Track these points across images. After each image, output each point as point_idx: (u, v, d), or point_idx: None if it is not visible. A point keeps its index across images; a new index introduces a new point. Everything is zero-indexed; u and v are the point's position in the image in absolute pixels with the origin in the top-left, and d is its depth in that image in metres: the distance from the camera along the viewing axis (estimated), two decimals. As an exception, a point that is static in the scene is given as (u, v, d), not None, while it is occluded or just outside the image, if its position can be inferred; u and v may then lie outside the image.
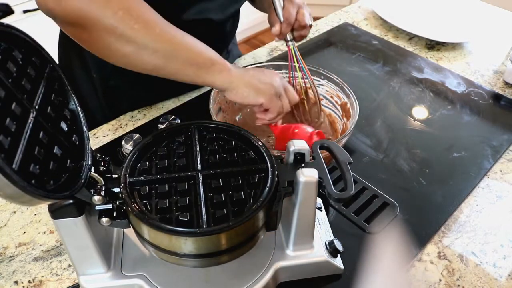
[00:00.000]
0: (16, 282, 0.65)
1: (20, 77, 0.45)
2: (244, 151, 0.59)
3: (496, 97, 1.06)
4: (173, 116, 0.84)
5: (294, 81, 0.82)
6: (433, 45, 1.25)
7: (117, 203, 0.53)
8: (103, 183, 0.52)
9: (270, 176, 0.54)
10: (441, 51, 1.23)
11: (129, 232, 0.61)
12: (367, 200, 0.78)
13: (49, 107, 0.48)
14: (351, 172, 0.56)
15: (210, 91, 0.81)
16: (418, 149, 0.90)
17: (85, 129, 0.53)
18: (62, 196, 0.45)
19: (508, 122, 0.98)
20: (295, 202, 0.56)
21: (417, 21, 1.32)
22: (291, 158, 0.57)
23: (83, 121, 0.54)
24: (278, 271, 0.62)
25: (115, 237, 0.63)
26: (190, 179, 0.54)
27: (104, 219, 0.52)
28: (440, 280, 0.67)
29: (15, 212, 0.74)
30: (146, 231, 0.51)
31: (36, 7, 0.62)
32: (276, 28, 0.79)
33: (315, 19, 1.38)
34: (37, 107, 0.46)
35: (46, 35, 0.96)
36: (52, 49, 0.80)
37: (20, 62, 0.46)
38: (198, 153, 0.57)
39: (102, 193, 0.51)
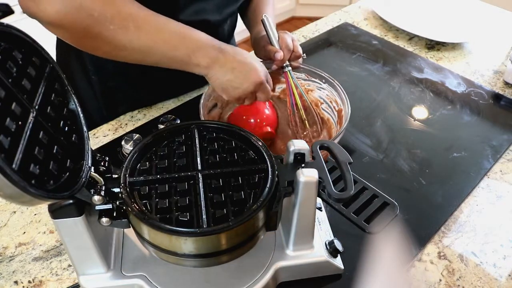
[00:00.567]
0: (16, 282, 0.65)
1: (20, 77, 0.45)
2: (244, 151, 0.59)
3: (496, 97, 1.06)
4: (173, 116, 0.84)
5: (293, 105, 0.82)
6: (433, 45, 1.25)
7: (117, 203, 0.53)
8: (103, 183, 0.52)
9: (270, 176, 0.54)
10: (441, 51, 1.23)
11: (129, 232, 0.61)
12: (367, 200, 0.78)
13: (49, 107, 0.48)
14: (351, 172, 0.56)
15: (210, 91, 0.81)
16: (418, 149, 0.90)
17: (85, 129, 0.53)
18: (62, 196, 0.45)
19: (508, 122, 0.98)
20: (295, 202, 0.56)
21: (417, 21, 1.32)
22: (291, 158, 0.57)
23: (83, 121, 0.54)
24: (278, 271, 0.62)
25: (115, 237, 0.63)
26: (190, 179, 0.54)
27: (104, 219, 0.52)
28: (440, 280, 0.67)
29: (15, 212, 0.74)
30: (146, 231, 0.51)
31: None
32: (281, 54, 0.80)
33: (315, 19, 1.39)
34: (37, 107, 0.46)
35: (46, 35, 0.96)
36: (52, 49, 0.81)
37: (20, 62, 0.46)
38: (198, 153, 0.57)
39: (102, 193, 0.51)
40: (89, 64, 0.90)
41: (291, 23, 3.23)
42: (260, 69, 0.71)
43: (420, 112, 1.00)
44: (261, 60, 0.85)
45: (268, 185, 0.53)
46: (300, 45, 1.18)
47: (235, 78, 0.69)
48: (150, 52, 0.66)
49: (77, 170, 0.49)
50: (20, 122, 0.42)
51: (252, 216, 0.50)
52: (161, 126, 0.82)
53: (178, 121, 0.82)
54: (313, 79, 0.85)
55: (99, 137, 0.89)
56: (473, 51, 1.23)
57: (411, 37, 1.28)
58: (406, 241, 0.72)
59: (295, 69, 0.85)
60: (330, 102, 0.84)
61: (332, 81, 0.82)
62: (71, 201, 0.49)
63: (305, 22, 2.75)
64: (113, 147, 0.84)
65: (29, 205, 0.64)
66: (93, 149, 0.56)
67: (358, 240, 0.71)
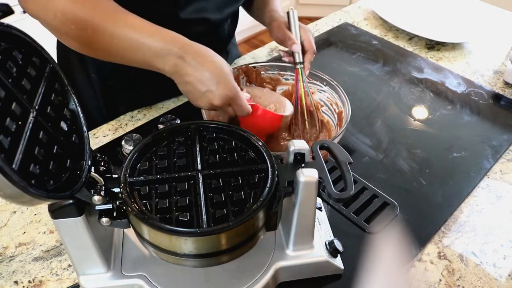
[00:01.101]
0: (16, 282, 0.65)
1: (20, 77, 0.45)
2: (244, 151, 0.59)
3: (496, 97, 1.06)
4: (173, 116, 0.83)
5: (298, 102, 0.82)
6: (433, 45, 1.25)
7: (117, 203, 0.53)
8: (103, 183, 0.52)
9: (270, 176, 0.54)
10: (441, 51, 1.23)
11: (129, 232, 0.61)
12: (367, 200, 0.78)
13: (49, 107, 0.48)
14: (351, 172, 0.56)
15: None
16: (418, 149, 0.90)
17: (85, 129, 0.53)
18: (62, 196, 0.45)
19: (508, 122, 0.98)
20: (295, 202, 0.56)
21: (417, 21, 1.32)
22: (291, 158, 0.57)
23: (83, 121, 0.54)
24: (278, 271, 0.62)
25: (115, 237, 0.63)
26: (190, 179, 0.54)
27: (104, 219, 0.52)
28: (440, 280, 0.67)
29: (15, 212, 0.74)
30: (146, 231, 0.51)
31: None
32: (299, 47, 0.81)
33: (315, 19, 1.39)
34: (37, 107, 0.46)
35: (46, 35, 0.96)
36: (52, 49, 0.80)
37: (20, 62, 0.46)
38: (198, 153, 0.57)
39: (102, 193, 0.51)
40: (89, 62, 0.91)
41: (291, 23, 3.22)
42: (226, 84, 0.64)
43: (420, 112, 1.00)
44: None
45: (268, 185, 0.53)
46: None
47: (194, 89, 0.65)
48: (111, 56, 0.69)
49: (77, 170, 0.49)
50: (20, 122, 0.42)
51: (252, 216, 0.50)
52: (161, 126, 0.82)
53: (178, 121, 0.82)
54: (314, 81, 0.85)
55: (99, 137, 0.89)
56: (473, 51, 1.23)
57: (411, 37, 1.28)
58: (406, 241, 0.72)
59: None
60: (331, 104, 0.84)
61: (333, 83, 0.82)
62: (71, 201, 0.49)
63: (305, 22, 2.75)
64: (113, 147, 0.84)
65: (29, 205, 0.64)
66: (93, 149, 0.56)
67: (358, 240, 0.71)
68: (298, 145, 0.57)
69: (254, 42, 2.95)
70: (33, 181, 0.41)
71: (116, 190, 0.52)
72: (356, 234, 0.72)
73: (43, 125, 0.46)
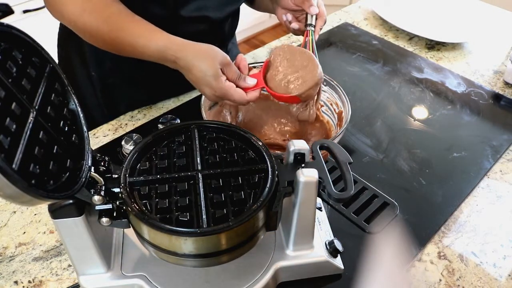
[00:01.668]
0: (16, 282, 0.65)
1: (20, 77, 0.45)
2: (244, 151, 0.59)
3: (496, 97, 1.06)
4: (173, 116, 0.84)
5: None
6: (433, 45, 1.25)
7: (117, 203, 0.53)
8: (103, 183, 0.52)
9: (270, 176, 0.54)
10: (441, 51, 1.23)
11: (129, 232, 0.61)
12: (367, 200, 0.78)
13: (49, 107, 0.48)
14: (351, 172, 0.56)
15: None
16: (418, 149, 0.90)
17: (85, 129, 0.53)
18: (62, 196, 0.45)
19: (508, 122, 0.98)
20: (295, 202, 0.56)
21: (417, 21, 1.32)
22: (291, 158, 0.57)
23: (83, 121, 0.54)
24: (278, 271, 0.62)
25: (115, 237, 0.63)
26: (190, 179, 0.54)
27: (104, 219, 0.52)
28: (440, 280, 0.67)
29: (15, 212, 0.74)
30: (146, 231, 0.51)
31: (36, 7, 0.66)
32: (316, 9, 0.82)
33: (315, 19, 1.38)
34: (37, 107, 0.46)
35: (46, 35, 0.96)
36: (52, 49, 0.81)
37: (20, 62, 0.46)
38: (198, 153, 0.57)
39: (102, 193, 0.51)
40: (89, 60, 0.91)
41: (291, 23, 3.22)
42: (211, 87, 0.69)
43: (420, 112, 1.00)
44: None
45: (268, 185, 0.53)
46: (300, 45, 1.19)
47: (194, 85, 0.72)
48: (124, 55, 0.76)
49: (77, 170, 0.49)
50: (20, 122, 0.42)
51: (252, 216, 0.50)
52: (161, 126, 0.82)
53: (178, 121, 0.82)
54: None
55: (99, 137, 0.89)
56: (473, 51, 1.23)
57: (411, 37, 1.28)
58: (406, 241, 0.72)
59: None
60: (331, 104, 0.84)
61: (333, 83, 0.82)
62: (71, 201, 0.49)
63: (305, 22, 2.75)
64: (113, 147, 0.84)
65: (29, 205, 0.64)
66: (93, 149, 0.56)
67: (358, 240, 0.71)
68: (298, 145, 0.57)
69: (254, 42, 2.95)
70: (33, 181, 0.41)
71: (116, 190, 0.52)
72: (356, 234, 0.72)
73: (43, 125, 0.46)
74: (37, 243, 0.70)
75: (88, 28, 0.72)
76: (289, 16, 0.87)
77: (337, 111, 0.82)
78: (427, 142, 0.92)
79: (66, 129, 0.51)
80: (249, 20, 2.71)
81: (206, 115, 0.74)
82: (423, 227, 0.74)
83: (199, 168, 0.55)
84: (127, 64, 0.90)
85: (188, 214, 0.50)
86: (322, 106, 0.86)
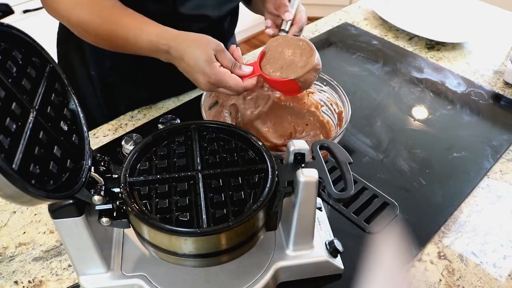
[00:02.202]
0: (16, 282, 0.65)
1: (20, 77, 0.45)
2: (244, 151, 0.59)
3: (496, 97, 1.06)
4: (173, 116, 0.84)
5: None
6: (433, 45, 1.25)
7: (117, 203, 0.53)
8: (103, 183, 0.52)
9: (270, 176, 0.54)
10: (441, 51, 1.23)
11: (129, 232, 0.61)
12: (367, 200, 0.78)
13: (49, 107, 0.48)
14: (351, 172, 0.56)
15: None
16: (418, 149, 0.90)
17: (85, 129, 0.53)
18: (62, 196, 0.45)
19: (508, 122, 0.98)
20: (295, 202, 0.56)
21: (417, 21, 1.32)
22: (291, 158, 0.57)
23: (83, 121, 0.54)
24: (278, 271, 0.62)
25: (115, 237, 0.63)
26: (190, 179, 0.54)
27: (104, 219, 0.52)
28: (440, 280, 0.67)
29: (15, 212, 0.74)
30: (146, 231, 0.51)
31: (36, 7, 0.67)
32: (291, 15, 0.80)
33: (315, 19, 1.39)
34: (37, 107, 0.46)
35: (46, 35, 0.96)
36: (52, 49, 0.81)
37: (20, 62, 0.46)
38: (198, 153, 0.57)
39: (102, 193, 0.51)
40: (89, 60, 0.91)
41: (291, 23, 3.22)
42: (204, 73, 0.67)
43: (420, 112, 1.00)
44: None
45: (268, 185, 0.53)
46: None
47: (188, 76, 0.70)
48: (117, 50, 0.76)
49: (77, 170, 0.49)
50: (20, 122, 0.42)
51: (252, 216, 0.50)
52: (161, 126, 0.82)
53: (178, 121, 0.82)
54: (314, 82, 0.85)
55: (99, 137, 0.89)
56: (473, 51, 1.23)
57: (411, 37, 1.28)
58: (406, 241, 0.72)
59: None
60: (331, 104, 0.84)
61: (333, 83, 0.82)
62: (71, 201, 0.49)
63: (305, 22, 2.75)
64: (113, 147, 0.84)
65: (29, 205, 0.64)
66: (93, 149, 0.56)
67: (358, 240, 0.71)
68: (298, 145, 0.57)
69: (254, 42, 2.95)
70: (33, 181, 0.41)
71: (116, 190, 0.52)
72: (356, 234, 0.72)
73: (43, 125, 0.46)
74: (37, 243, 0.70)
75: (81, 22, 0.72)
76: (269, 22, 0.86)
77: (337, 111, 0.82)
78: (427, 142, 0.92)
79: (66, 129, 0.51)
80: (249, 20, 2.71)
81: (206, 115, 0.74)
82: (423, 227, 0.74)
83: (199, 168, 0.55)
84: (127, 63, 0.90)
85: (188, 214, 0.50)
86: (322, 106, 0.86)
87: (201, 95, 0.78)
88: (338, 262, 0.65)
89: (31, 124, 0.43)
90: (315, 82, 0.85)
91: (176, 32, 0.69)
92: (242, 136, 0.60)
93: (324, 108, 0.86)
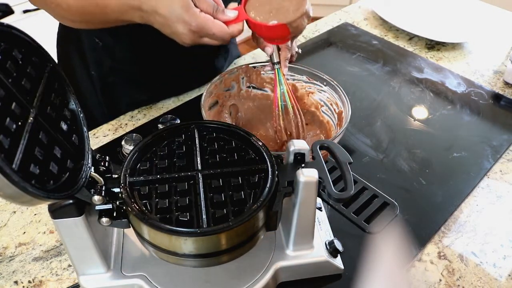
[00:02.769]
0: (16, 282, 0.65)
1: (20, 77, 0.45)
2: (244, 151, 0.59)
3: (496, 97, 1.06)
4: (173, 116, 0.84)
5: (281, 103, 0.79)
6: (433, 45, 1.25)
7: (117, 203, 0.53)
8: (103, 183, 0.52)
9: (270, 176, 0.54)
10: (441, 51, 1.23)
11: (129, 232, 0.61)
12: (367, 200, 0.78)
13: (49, 107, 0.48)
14: (351, 172, 0.56)
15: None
16: (418, 149, 0.90)
17: (85, 129, 0.53)
18: (62, 196, 0.45)
19: (508, 122, 0.98)
20: (295, 202, 0.56)
21: (417, 21, 1.32)
22: (291, 158, 0.57)
23: (83, 121, 0.54)
24: (278, 271, 0.62)
25: (115, 237, 0.63)
26: (190, 179, 0.54)
27: (104, 219, 0.52)
28: (440, 280, 0.67)
29: (15, 212, 0.74)
30: (146, 231, 0.51)
31: (36, 7, 0.65)
32: (270, 49, 0.76)
33: (315, 19, 1.39)
34: (37, 107, 0.46)
35: (46, 35, 0.96)
36: (52, 49, 0.81)
37: (20, 62, 0.46)
38: (198, 153, 0.57)
39: (102, 193, 0.51)
40: (89, 59, 0.91)
41: (291, 23, 3.22)
42: (183, 21, 0.61)
43: (420, 112, 1.00)
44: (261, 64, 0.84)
45: (268, 185, 0.53)
46: (300, 45, 1.19)
47: (167, 33, 0.65)
48: (90, 23, 0.74)
49: (77, 170, 0.49)
50: (20, 122, 0.42)
51: (252, 216, 0.50)
52: (161, 126, 0.82)
53: (178, 121, 0.82)
54: (314, 81, 0.85)
55: (99, 137, 0.89)
56: (473, 51, 1.23)
57: (411, 37, 1.28)
58: (406, 241, 0.72)
59: (290, 62, 0.81)
60: (331, 104, 0.84)
61: (333, 83, 0.82)
62: (71, 201, 0.49)
63: (305, 22, 2.75)
64: (113, 147, 0.84)
65: (29, 205, 0.64)
66: (93, 149, 0.56)
67: (358, 240, 0.71)
68: (298, 145, 0.57)
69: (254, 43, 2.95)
70: (33, 181, 0.41)
71: (116, 190, 0.52)
72: (356, 234, 0.72)
73: (43, 125, 0.46)
74: (37, 243, 0.70)
75: None
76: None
77: (337, 111, 0.82)
78: (427, 142, 0.92)
79: (66, 129, 0.51)
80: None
81: (206, 115, 0.74)
82: (423, 227, 0.74)
83: (199, 168, 0.55)
84: (127, 63, 0.90)
85: (188, 214, 0.50)
86: (322, 106, 0.86)
87: (201, 95, 0.78)
88: (338, 262, 0.65)
89: (31, 124, 0.43)
90: (315, 81, 0.85)
91: None
92: (242, 136, 0.60)
93: (324, 108, 0.86)
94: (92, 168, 0.52)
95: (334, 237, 0.66)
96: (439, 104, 1.03)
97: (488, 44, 1.26)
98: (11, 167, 0.38)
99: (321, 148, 0.59)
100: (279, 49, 0.79)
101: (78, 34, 0.90)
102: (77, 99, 0.54)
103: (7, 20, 1.65)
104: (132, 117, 0.95)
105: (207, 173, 0.55)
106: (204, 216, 0.50)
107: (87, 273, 0.58)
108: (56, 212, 0.50)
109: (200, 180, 0.54)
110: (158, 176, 0.54)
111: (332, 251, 0.64)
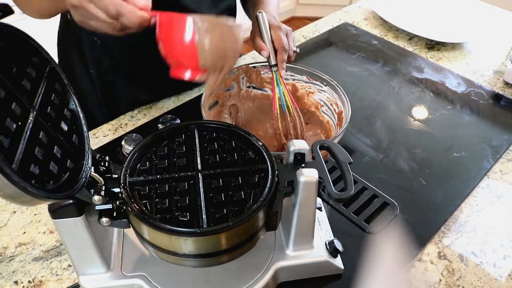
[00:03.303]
0: (16, 282, 0.65)
1: (20, 77, 0.45)
2: (244, 151, 0.59)
3: (496, 97, 1.06)
4: (173, 116, 0.84)
5: (279, 105, 0.79)
6: (433, 45, 1.25)
7: (117, 203, 0.52)
8: (103, 183, 0.52)
9: (270, 176, 0.54)
10: (441, 51, 1.23)
11: (129, 232, 0.61)
12: (367, 200, 0.78)
13: (49, 107, 0.48)
14: (351, 172, 0.56)
15: (210, 91, 0.81)
16: (418, 149, 0.90)
17: (85, 129, 0.53)
18: (62, 196, 0.45)
19: (508, 122, 0.98)
20: (295, 202, 0.56)
21: (417, 21, 1.32)
22: (291, 158, 0.57)
23: (83, 121, 0.54)
24: (278, 271, 0.62)
25: (115, 237, 0.63)
26: (190, 179, 0.54)
27: (104, 219, 0.52)
28: (440, 280, 0.67)
29: (15, 212, 0.74)
30: (146, 231, 0.51)
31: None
32: (267, 53, 0.77)
33: (315, 19, 1.39)
34: (37, 107, 0.46)
35: (46, 35, 0.96)
36: (52, 49, 0.80)
37: (20, 62, 0.46)
38: (198, 153, 0.57)
39: (102, 193, 0.51)
40: (88, 58, 0.91)
41: (291, 23, 3.22)
42: None
43: (420, 112, 1.00)
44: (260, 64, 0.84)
45: (268, 185, 0.53)
46: (300, 45, 1.19)
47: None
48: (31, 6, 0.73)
49: (77, 170, 0.49)
50: (20, 122, 0.42)
51: (252, 216, 0.50)
52: (161, 126, 0.82)
53: (178, 121, 0.82)
54: (314, 81, 0.85)
55: (99, 137, 0.89)
56: (473, 51, 1.23)
57: (411, 37, 1.28)
58: (406, 241, 0.72)
59: (289, 62, 0.81)
60: (331, 104, 0.84)
61: (333, 83, 0.82)
62: (71, 201, 0.49)
63: (305, 22, 2.75)
64: (113, 147, 0.84)
65: (29, 205, 0.64)
66: (93, 149, 0.56)
67: (358, 240, 0.71)
68: (298, 145, 0.57)
69: (254, 43, 2.95)
70: (33, 181, 0.41)
71: (116, 190, 0.52)
72: (356, 234, 0.72)
73: (43, 125, 0.46)
74: (37, 243, 0.70)
75: None
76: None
77: (337, 111, 0.82)
78: (427, 142, 0.92)
79: (66, 129, 0.51)
80: (249, 20, 2.71)
81: (206, 115, 0.74)
82: (423, 227, 0.74)
83: (199, 168, 0.55)
84: (125, 61, 0.90)
85: (188, 214, 0.50)
86: (322, 106, 0.86)
87: (201, 95, 0.78)
88: (338, 262, 0.65)
89: (31, 124, 0.43)
90: (315, 81, 0.85)
91: None
92: (242, 136, 0.60)
93: (324, 108, 0.86)
94: (92, 168, 0.52)
95: (334, 237, 0.66)
96: (439, 104, 1.03)
97: (488, 44, 1.26)
98: (11, 167, 0.38)
99: (321, 148, 0.59)
100: (275, 52, 0.80)
101: (77, 32, 0.90)
102: (77, 99, 0.54)
103: (7, 20, 1.65)
104: (132, 117, 0.95)
105: (207, 173, 0.55)
106: (204, 216, 0.50)
107: (87, 273, 0.58)
108: (56, 212, 0.50)
109: (200, 180, 0.54)
110: (158, 176, 0.54)
111: (332, 251, 0.64)
